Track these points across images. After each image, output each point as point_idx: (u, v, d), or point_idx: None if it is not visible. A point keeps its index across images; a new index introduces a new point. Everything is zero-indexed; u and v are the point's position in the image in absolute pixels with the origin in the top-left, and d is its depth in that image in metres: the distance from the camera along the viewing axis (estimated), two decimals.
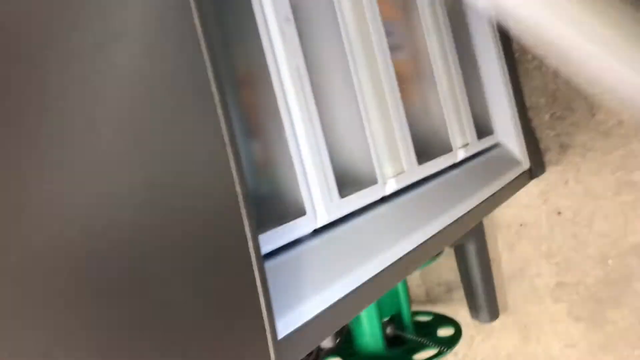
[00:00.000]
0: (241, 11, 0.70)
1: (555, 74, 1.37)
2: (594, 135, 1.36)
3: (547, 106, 1.39)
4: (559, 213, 1.43)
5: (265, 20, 0.71)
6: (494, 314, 1.54)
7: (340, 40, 0.85)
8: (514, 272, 1.51)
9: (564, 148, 1.39)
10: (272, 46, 0.71)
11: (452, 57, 1.15)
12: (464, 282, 1.56)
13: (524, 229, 1.48)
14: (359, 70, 0.88)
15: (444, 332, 1.47)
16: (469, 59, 1.29)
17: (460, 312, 1.60)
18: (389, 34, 0.97)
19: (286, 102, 0.71)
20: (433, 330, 1.48)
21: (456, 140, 1.11)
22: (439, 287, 1.64)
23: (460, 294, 1.59)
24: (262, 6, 0.71)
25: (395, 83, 0.93)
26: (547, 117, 1.40)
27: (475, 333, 1.61)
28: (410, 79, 1.06)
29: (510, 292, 1.53)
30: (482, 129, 1.26)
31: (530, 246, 1.48)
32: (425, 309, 1.63)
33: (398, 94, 0.93)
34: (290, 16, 0.74)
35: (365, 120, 0.85)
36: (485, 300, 1.53)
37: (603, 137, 1.35)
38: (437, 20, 1.11)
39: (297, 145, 0.71)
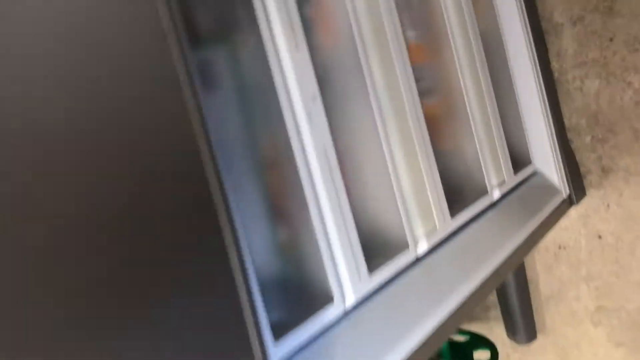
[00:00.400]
0: (265, 92, 0.68)
1: (597, 95, 1.31)
2: (638, 159, 1.30)
3: (588, 128, 1.34)
4: (600, 237, 1.38)
5: (290, 101, 0.69)
6: (531, 335, 1.51)
7: (368, 98, 0.82)
8: (552, 293, 1.48)
9: (605, 172, 1.34)
10: (297, 127, 0.69)
11: (487, 89, 1.10)
12: (501, 302, 1.53)
13: (562, 251, 1.44)
14: (388, 128, 0.85)
15: (480, 354, 1.45)
16: (505, 83, 1.24)
17: (496, 330, 1.58)
18: (419, 79, 0.94)
19: (312, 184, 0.70)
20: (469, 352, 1.47)
21: (491, 179, 1.08)
22: None
23: (497, 312, 1.57)
24: (286, 86, 0.69)
25: (426, 136, 0.90)
26: (588, 139, 1.34)
27: (512, 351, 1.59)
28: (442, 120, 1.02)
29: (548, 313, 1.50)
30: (519, 159, 1.22)
31: (569, 269, 1.44)
32: (462, 327, 1.61)
33: (430, 148, 0.90)
34: (317, 93, 0.72)
35: (394, 181, 0.83)
36: (522, 321, 1.50)
37: None
38: (472, 54, 1.06)
39: (324, 227, 0.70)
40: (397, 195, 0.83)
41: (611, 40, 1.27)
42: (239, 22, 0.68)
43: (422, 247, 0.86)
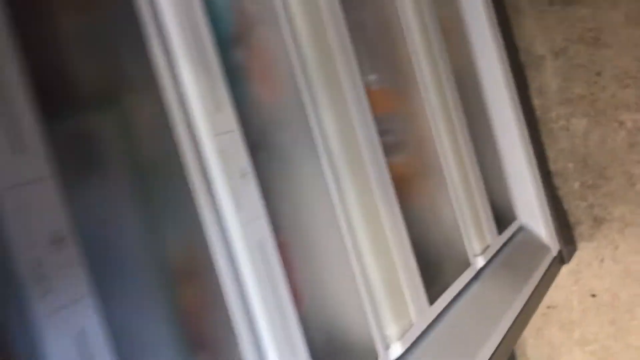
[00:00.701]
0: (172, 171, 0.49)
1: (586, 136, 1.15)
2: (634, 207, 1.14)
3: (576, 173, 1.18)
4: (594, 295, 1.22)
5: (209, 182, 0.50)
6: None
7: (318, 160, 0.64)
8: (542, 359, 1.31)
9: (598, 222, 1.18)
10: (219, 218, 0.50)
11: (464, 139, 0.93)
12: None
13: (552, 311, 1.27)
14: (346, 197, 0.67)
15: None
16: (482, 128, 1.07)
17: None
18: (384, 132, 0.76)
19: (242, 295, 0.50)
20: None
21: (473, 245, 0.90)
22: None
23: None
24: (202, 162, 0.50)
25: (395, 204, 0.72)
26: (576, 185, 1.19)
27: None
28: (413, 181, 0.84)
29: None
30: (502, 215, 1.05)
31: (561, 331, 1.27)
32: None
33: (400, 219, 0.72)
34: (248, 167, 0.53)
35: (356, 268, 0.64)
36: None
37: None
38: (445, 98, 0.89)
39: (261, 356, 0.50)
40: (362, 288, 0.64)
41: (599, 74, 1.12)
42: (134, 77, 0.49)
43: (396, 351, 0.67)
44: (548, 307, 1.28)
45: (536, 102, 1.18)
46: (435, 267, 0.81)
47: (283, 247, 0.58)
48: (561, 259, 1.12)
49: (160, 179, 0.49)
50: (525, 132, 1.12)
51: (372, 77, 0.76)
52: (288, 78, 0.63)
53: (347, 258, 0.64)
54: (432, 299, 0.75)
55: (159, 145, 0.49)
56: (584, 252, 1.20)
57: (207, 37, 0.52)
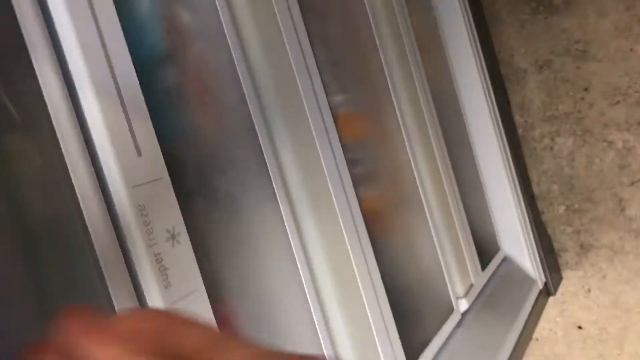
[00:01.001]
0: (73, 245, 0.36)
1: (572, 156, 1.06)
2: (623, 234, 1.05)
3: (561, 196, 1.08)
4: (580, 327, 1.13)
5: (123, 253, 0.37)
6: None
7: (275, 199, 0.52)
8: None
9: (585, 249, 1.09)
10: (137, 298, 0.37)
11: (445, 167, 0.82)
12: None
13: (535, 344, 1.18)
14: (308, 242, 0.55)
15: None
16: (462, 151, 0.97)
17: None
18: (355, 162, 0.64)
19: None
20: None
21: (456, 287, 0.79)
22: None
23: None
24: (115, 229, 0.37)
25: (368, 245, 0.61)
26: (561, 209, 1.09)
27: None
28: (388, 217, 0.73)
29: None
30: (485, 246, 0.94)
31: None
32: None
33: (373, 263, 0.60)
34: (179, 227, 0.40)
35: (322, 333, 0.52)
36: None
37: (636, 237, 1.05)
38: (423, 119, 0.78)
39: None
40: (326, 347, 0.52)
41: (586, 90, 1.02)
42: (16, 110, 0.36)
43: None
44: (530, 340, 1.18)
45: (518, 119, 1.08)
46: (414, 317, 0.70)
47: (229, 321, 0.46)
48: (547, 292, 1.03)
49: (55, 247, 0.36)
50: (508, 153, 1.02)
51: (339, 98, 0.65)
52: (236, 103, 0.51)
53: (312, 325, 0.52)
54: (411, 357, 0.64)
55: (54, 202, 0.36)
56: (569, 281, 1.11)
57: (123, 54, 0.40)
